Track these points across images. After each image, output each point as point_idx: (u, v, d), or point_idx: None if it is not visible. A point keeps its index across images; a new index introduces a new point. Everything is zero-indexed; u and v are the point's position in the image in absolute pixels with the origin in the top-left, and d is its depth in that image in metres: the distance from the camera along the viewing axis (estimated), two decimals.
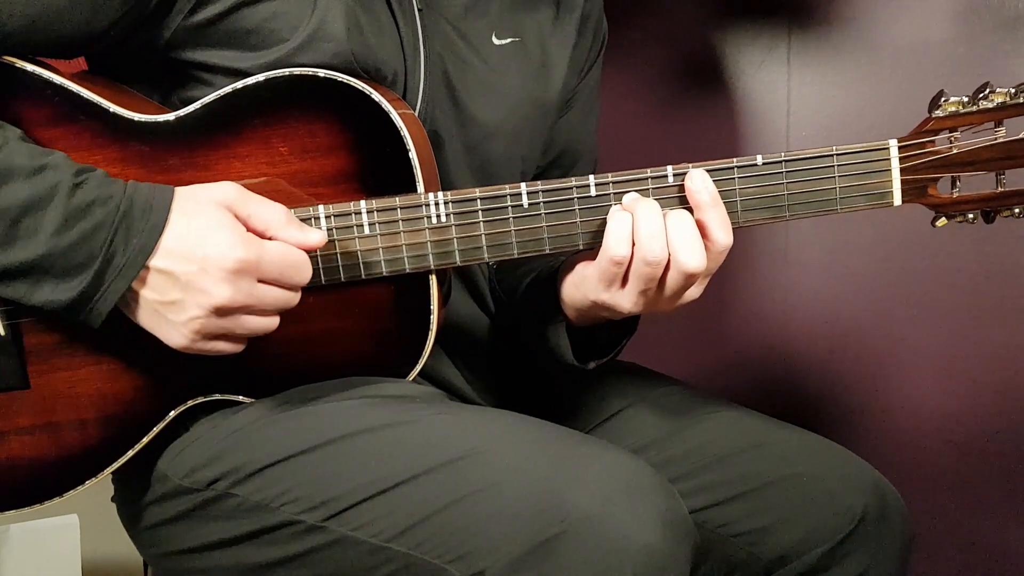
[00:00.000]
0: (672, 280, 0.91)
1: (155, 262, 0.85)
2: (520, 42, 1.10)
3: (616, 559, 0.78)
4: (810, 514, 1.00)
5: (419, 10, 1.01)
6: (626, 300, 0.93)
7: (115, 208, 0.84)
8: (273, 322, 0.89)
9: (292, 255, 0.88)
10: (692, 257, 0.89)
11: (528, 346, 1.10)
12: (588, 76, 1.20)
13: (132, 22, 0.91)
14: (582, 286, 0.96)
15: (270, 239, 0.88)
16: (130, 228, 0.84)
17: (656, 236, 0.89)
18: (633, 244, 0.90)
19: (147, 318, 0.88)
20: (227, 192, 0.88)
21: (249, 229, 0.87)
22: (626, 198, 0.93)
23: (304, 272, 0.89)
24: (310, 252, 0.89)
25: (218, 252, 0.84)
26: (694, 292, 0.93)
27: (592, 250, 0.95)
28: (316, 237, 0.89)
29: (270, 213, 0.88)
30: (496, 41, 1.08)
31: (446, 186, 1.02)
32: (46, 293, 0.85)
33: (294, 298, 0.89)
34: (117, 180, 0.87)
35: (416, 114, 1.00)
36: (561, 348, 1.04)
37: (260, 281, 0.87)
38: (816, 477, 1.01)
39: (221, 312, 0.86)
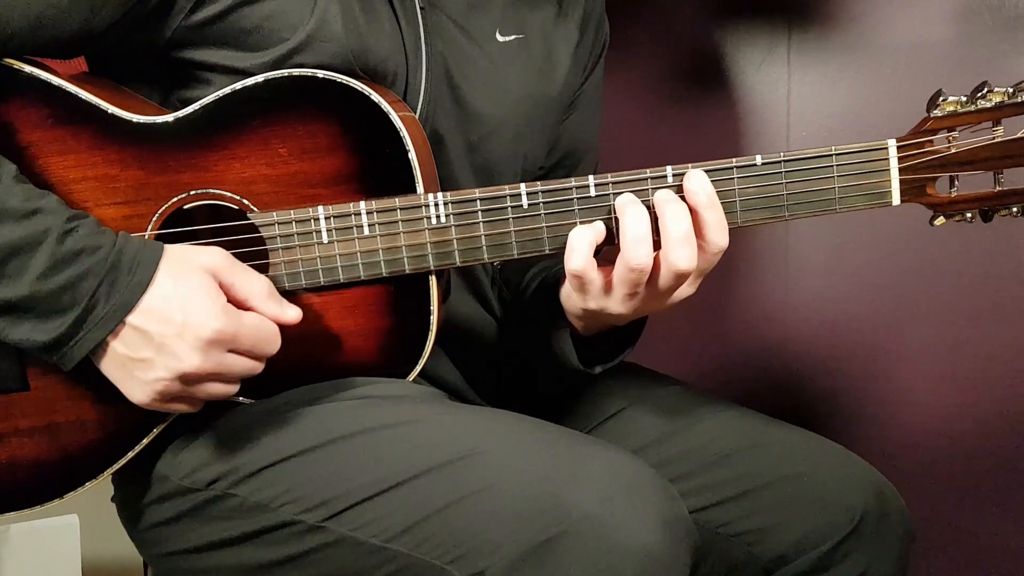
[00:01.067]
0: (663, 280, 0.91)
1: (134, 319, 0.85)
2: (524, 39, 1.10)
3: (616, 559, 0.78)
4: (810, 514, 1.00)
5: (421, 8, 1.00)
6: (614, 304, 0.93)
7: (103, 259, 0.85)
8: (233, 389, 0.90)
9: (266, 328, 0.89)
10: (683, 257, 0.89)
11: (534, 352, 1.10)
12: (591, 77, 1.20)
13: (132, 22, 0.91)
14: (572, 295, 0.96)
15: (249, 309, 0.89)
16: (115, 282, 0.85)
17: (641, 242, 0.89)
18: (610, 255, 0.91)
19: (113, 370, 0.88)
20: (215, 259, 0.88)
21: (230, 298, 0.88)
22: (618, 200, 0.92)
23: (274, 344, 0.90)
24: (286, 325, 0.91)
25: (197, 321, 0.85)
26: (686, 290, 0.93)
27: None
28: (293, 313, 0.91)
29: (252, 284, 0.89)
30: (500, 38, 1.08)
31: (448, 185, 1.02)
32: (24, 332, 0.85)
33: (259, 367, 0.90)
34: (107, 230, 0.87)
35: (418, 113, 1.00)
36: (566, 354, 1.04)
37: (231, 351, 0.87)
38: (816, 477, 1.01)
39: (186, 379, 0.86)
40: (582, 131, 1.21)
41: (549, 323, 1.04)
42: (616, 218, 0.92)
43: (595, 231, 0.92)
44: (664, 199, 0.91)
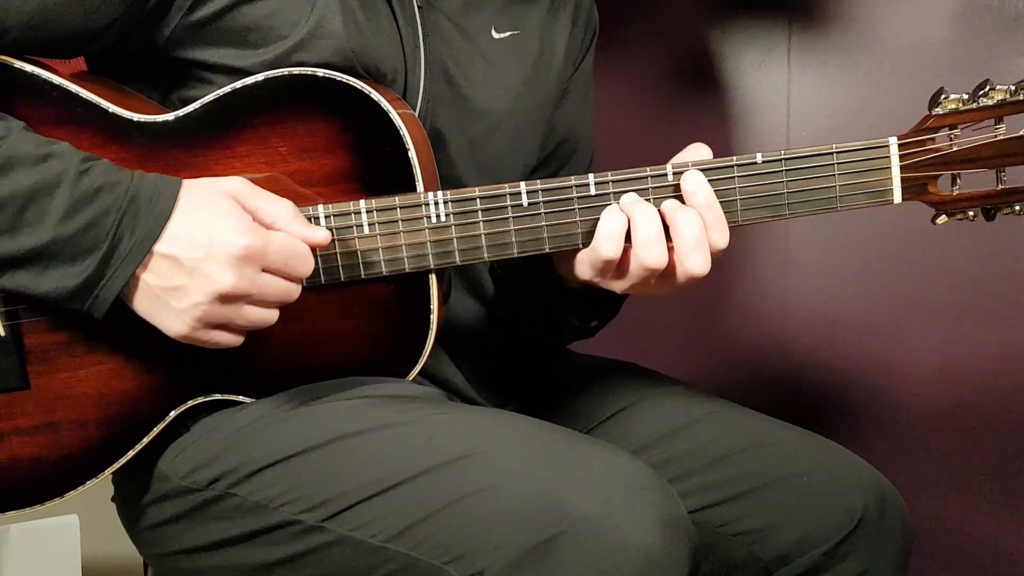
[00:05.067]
0: (677, 279, 0.92)
1: (161, 247, 0.84)
2: (519, 35, 1.10)
3: (615, 559, 0.78)
4: (810, 514, 1.00)
5: (418, 7, 1.01)
6: (620, 287, 0.94)
7: (122, 194, 0.84)
8: (273, 315, 0.89)
9: (296, 245, 0.87)
10: (698, 263, 0.90)
11: (530, 318, 1.10)
12: (582, 65, 1.20)
13: (131, 20, 0.91)
14: (576, 268, 0.97)
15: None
16: (137, 214, 0.84)
17: (654, 242, 0.90)
18: (628, 245, 0.91)
19: (147, 305, 0.87)
20: (234, 185, 0.88)
21: (255, 220, 0.87)
22: (623, 199, 0.93)
23: (307, 263, 0.88)
24: (314, 249, 0.89)
25: (225, 239, 0.84)
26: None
27: None
28: (322, 234, 0.89)
29: (277, 207, 0.88)
30: (495, 35, 1.08)
31: (451, 183, 1.02)
32: (52, 281, 0.84)
33: (295, 290, 0.89)
34: (123, 169, 0.87)
35: (417, 112, 1.00)
36: (565, 314, 1.06)
37: (264, 271, 0.86)
38: (816, 477, 1.01)
39: (224, 299, 0.85)
40: (574, 119, 1.21)
41: (542, 285, 1.05)
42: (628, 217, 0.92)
43: (624, 220, 0.92)
44: (673, 207, 0.91)
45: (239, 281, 0.84)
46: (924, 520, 1.52)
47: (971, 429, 1.53)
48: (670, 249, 0.91)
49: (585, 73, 1.22)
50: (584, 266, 0.95)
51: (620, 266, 0.93)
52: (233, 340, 0.89)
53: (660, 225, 0.90)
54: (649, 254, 0.90)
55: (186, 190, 0.86)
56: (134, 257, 0.84)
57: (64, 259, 0.84)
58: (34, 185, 0.83)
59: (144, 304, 0.87)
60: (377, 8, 0.98)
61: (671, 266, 0.91)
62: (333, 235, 0.92)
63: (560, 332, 1.12)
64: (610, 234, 0.91)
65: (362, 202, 0.93)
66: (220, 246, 0.84)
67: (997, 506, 1.53)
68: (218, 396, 0.96)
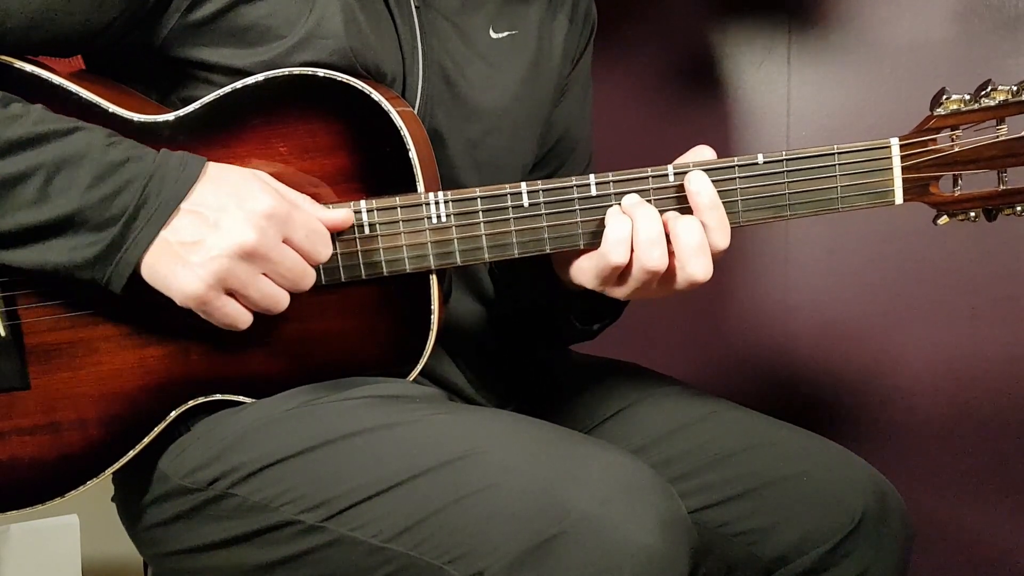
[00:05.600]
0: (677, 285, 0.92)
1: (187, 205, 0.84)
2: (517, 35, 1.10)
3: (614, 559, 0.78)
4: (810, 514, 1.00)
5: (416, 7, 1.01)
6: (621, 294, 0.94)
7: (150, 162, 0.85)
8: (283, 297, 0.88)
9: (318, 224, 0.89)
10: (700, 269, 0.90)
11: (530, 321, 1.10)
12: (580, 63, 1.20)
13: (129, 20, 0.91)
14: (578, 276, 0.97)
15: None
16: (164, 179, 0.85)
17: (655, 243, 0.90)
18: (632, 249, 0.91)
19: (164, 264, 0.85)
20: (259, 172, 0.89)
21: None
22: (625, 201, 0.93)
23: (327, 245, 0.89)
24: (336, 228, 0.91)
25: (252, 196, 0.85)
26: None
27: (592, 249, 0.95)
28: (343, 213, 0.90)
29: (297, 194, 0.90)
30: (493, 35, 1.08)
31: (449, 182, 1.02)
32: (78, 249, 0.84)
33: (310, 273, 0.88)
34: (149, 147, 0.87)
35: (416, 112, 0.99)
36: (566, 317, 1.05)
37: (285, 241, 0.86)
38: (816, 477, 1.01)
39: (244, 255, 0.84)
40: (573, 117, 1.21)
41: (544, 289, 1.05)
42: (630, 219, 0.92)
43: (631, 224, 0.91)
44: (673, 216, 0.91)
45: (261, 239, 0.84)
46: (924, 520, 1.52)
47: (971, 429, 1.53)
48: (671, 253, 0.91)
49: (584, 71, 1.22)
50: (588, 274, 0.95)
51: (622, 271, 0.92)
52: (242, 316, 0.88)
53: (661, 227, 0.90)
54: (650, 256, 0.90)
55: (212, 165, 0.87)
56: (159, 217, 0.84)
57: (90, 227, 0.84)
58: (62, 155, 0.84)
59: (161, 263, 0.85)
60: (375, 8, 0.98)
61: (671, 270, 0.91)
62: (333, 235, 0.92)
63: (561, 334, 1.12)
64: (618, 239, 0.91)
65: (363, 202, 0.92)
66: (247, 200, 0.84)
67: (997, 506, 1.53)
68: (218, 396, 0.96)
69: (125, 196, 0.84)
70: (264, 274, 0.86)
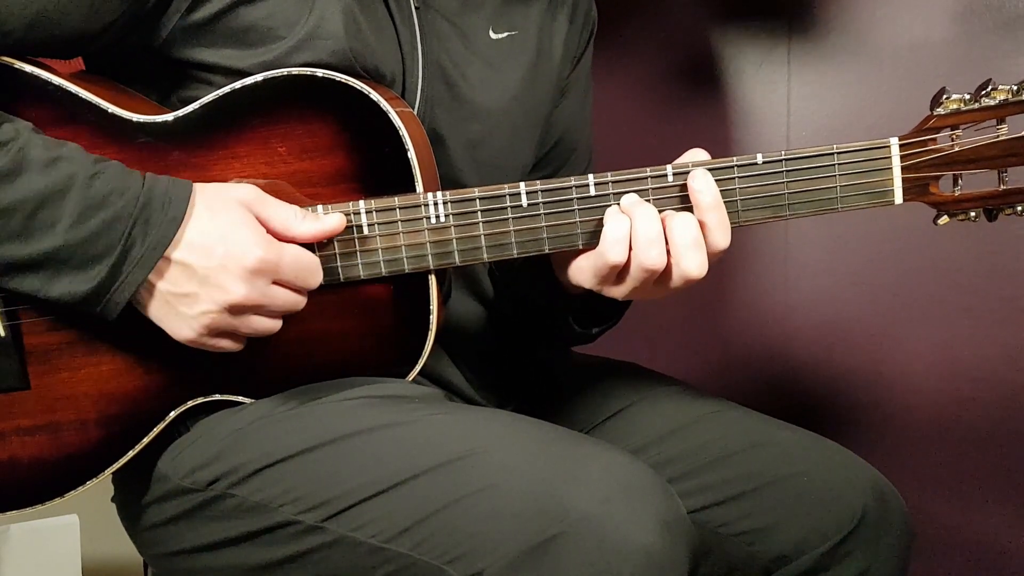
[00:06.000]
0: (672, 282, 0.91)
1: (175, 254, 0.85)
2: (517, 35, 1.10)
3: (614, 560, 0.78)
4: (810, 514, 1.00)
5: (415, 8, 1.01)
6: (619, 293, 0.94)
7: (133, 199, 0.84)
8: (277, 324, 0.90)
9: (308, 259, 0.89)
10: (695, 264, 0.90)
11: (530, 322, 1.10)
12: (580, 63, 1.20)
13: (130, 21, 0.91)
14: (576, 275, 0.96)
15: (289, 240, 0.89)
16: (149, 219, 0.84)
17: (654, 242, 0.90)
18: (630, 248, 0.91)
19: (157, 309, 0.88)
20: (247, 193, 0.88)
21: (268, 231, 0.88)
22: (624, 200, 0.93)
23: (317, 275, 0.90)
24: (333, 238, 0.91)
25: (240, 250, 0.85)
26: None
27: (591, 249, 0.95)
28: (334, 221, 0.90)
29: (286, 212, 0.89)
30: (493, 35, 1.08)
31: (449, 183, 1.01)
32: (64, 285, 0.85)
33: (302, 301, 0.90)
34: (134, 172, 0.87)
35: (415, 112, 0.99)
36: (565, 319, 1.05)
37: (275, 283, 0.88)
38: (816, 477, 1.01)
39: (234, 310, 0.86)
40: (573, 118, 1.21)
41: (544, 291, 1.05)
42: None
43: (628, 223, 0.91)
44: (669, 213, 0.91)
45: (250, 293, 0.86)
46: (924, 520, 1.52)
47: (971, 429, 1.53)
48: (667, 252, 0.91)
49: (584, 71, 1.22)
50: (586, 273, 0.95)
51: (620, 270, 0.92)
52: (235, 347, 0.90)
53: (660, 226, 0.90)
54: (648, 255, 0.90)
55: (199, 195, 0.87)
56: (146, 262, 0.84)
57: (75, 264, 0.84)
58: (44, 190, 0.83)
59: (154, 308, 0.88)
60: (375, 9, 0.98)
61: (667, 268, 0.91)
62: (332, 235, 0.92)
63: (560, 336, 1.12)
64: (616, 238, 0.91)
65: (361, 203, 0.92)
66: (235, 257, 0.85)
67: (997, 506, 1.53)
68: (218, 396, 0.96)
69: (111, 235, 0.84)
70: (258, 314, 0.89)
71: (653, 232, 0.90)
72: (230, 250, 0.85)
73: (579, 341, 1.11)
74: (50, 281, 0.85)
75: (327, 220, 0.90)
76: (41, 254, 0.84)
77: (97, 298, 0.85)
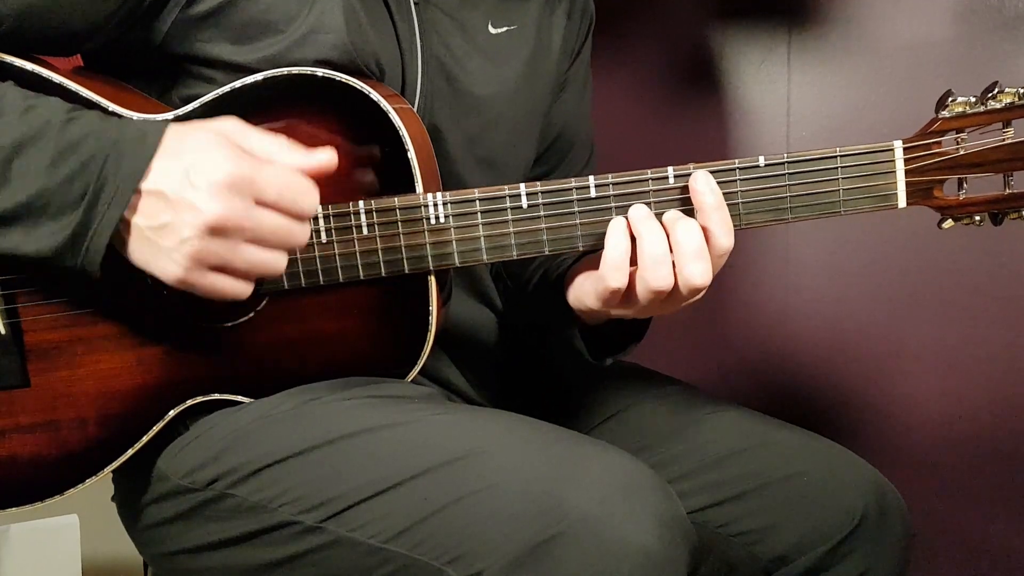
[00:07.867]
0: (679, 294, 0.91)
1: (145, 185, 0.81)
2: (515, 30, 1.10)
3: (613, 560, 0.78)
4: (810, 514, 1.00)
5: (415, 3, 1.00)
6: (628, 312, 0.94)
7: (107, 139, 0.81)
8: (278, 259, 0.84)
9: (292, 177, 0.83)
10: (698, 273, 0.89)
11: (542, 345, 1.10)
12: (579, 58, 1.20)
13: (129, 15, 0.91)
14: (584, 298, 0.97)
15: None
16: (121, 156, 0.81)
17: (662, 262, 0.89)
18: (634, 268, 0.90)
19: (140, 251, 0.83)
20: (226, 124, 0.85)
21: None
22: (632, 214, 0.92)
23: (308, 196, 0.84)
24: (319, 174, 0.85)
25: (210, 166, 0.80)
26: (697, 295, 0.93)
27: (593, 251, 0.95)
28: (322, 156, 0.85)
29: (272, 143, 0.85)
30: (492, 30, 1.08)
31: (449, 178, 1.01)
32: (43, 236, 0.81)
33: (298, 231, 0.84)
34: (111, 117, 0.85)
35: (415, 108, 0.99)
36: (576, 348, 1.04)
37: (258, 203, 0.82)
38: (816, 477, 1.01)
39: (214, 231, 0.80)
40: (572, 113, 1.21)
41: (557, 318, 1.04)
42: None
43: (627, 246, 0.91)
44: (673, 218, 0.91)
45: (227, 211, 0.80)
46: (924, 520, 1.52)
47: (971, 429, 1.53)
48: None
49: (583, 66, 1.22)
50: (590, 296, 0.95)
51: (626, 292, 0.92)
52: (237, 286, 0.85)
53: (667, 245, 0.89)
54: (656, 275, 0.89)
55: (172, 128, 0.83)
56: (120, 199, 0.80)
57: (52, 212, 0.81)
58: (19, 137, 0.81)
59: (138, 250, 0.83)
60: (373, 4, 0.98)
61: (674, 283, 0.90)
62: (332, 236, 0.92)
63: (574, 362, 1.12)
64: (616, 264, 0.90)
65: (361, 203, 0.92)
66: (204, 173, 0.79)
67: (997, 506, 1.53)
68: (217, 396, 0.96)
69: (84, 177, 0.80)
70: (248, 241, 0.83)
71: (660, 251, 0.89)
72: (201, 168, 0.79)
73: (589, 368, 1.10)
74: (28, 234, 0.81)
75: (316, 154, 0.85)
76: (18, 204, 0.81)
77: (75, 247, 0.81)
